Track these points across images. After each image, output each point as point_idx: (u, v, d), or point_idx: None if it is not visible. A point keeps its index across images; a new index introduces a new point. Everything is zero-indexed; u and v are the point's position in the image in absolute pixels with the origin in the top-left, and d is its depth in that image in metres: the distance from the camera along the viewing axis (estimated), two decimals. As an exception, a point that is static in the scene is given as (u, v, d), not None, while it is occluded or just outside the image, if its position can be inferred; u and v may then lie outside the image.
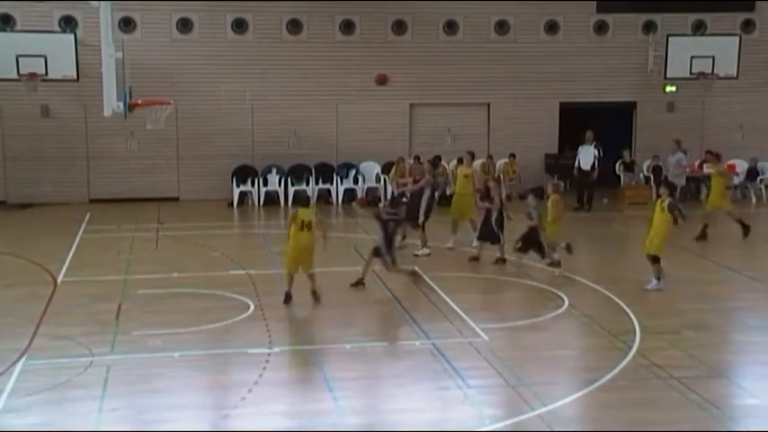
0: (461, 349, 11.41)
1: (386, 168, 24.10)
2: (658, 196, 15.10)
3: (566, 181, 25.21)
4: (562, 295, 13.87)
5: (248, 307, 13.33)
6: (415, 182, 17.63)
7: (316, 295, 13.55)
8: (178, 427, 9.12)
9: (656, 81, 25.14)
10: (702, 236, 18.38)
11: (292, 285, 13.52)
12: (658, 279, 14.27)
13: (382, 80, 13.43)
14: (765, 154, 25.07)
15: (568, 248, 15.58)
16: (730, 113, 25.72)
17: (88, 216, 21.13)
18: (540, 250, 15.35)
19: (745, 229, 18.65)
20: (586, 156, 22.52)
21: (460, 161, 23.69)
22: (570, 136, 26.14)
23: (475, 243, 16.86)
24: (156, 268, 15.69)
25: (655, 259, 14.28)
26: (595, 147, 22.39)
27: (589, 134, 22.64)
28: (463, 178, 18.16)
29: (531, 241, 15.37)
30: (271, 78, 23.91)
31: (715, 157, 19.35)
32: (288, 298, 13.45)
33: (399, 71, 24.40)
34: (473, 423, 9.21)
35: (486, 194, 16.65)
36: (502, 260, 16.18)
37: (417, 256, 16.70)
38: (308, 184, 23.59)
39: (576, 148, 23.23)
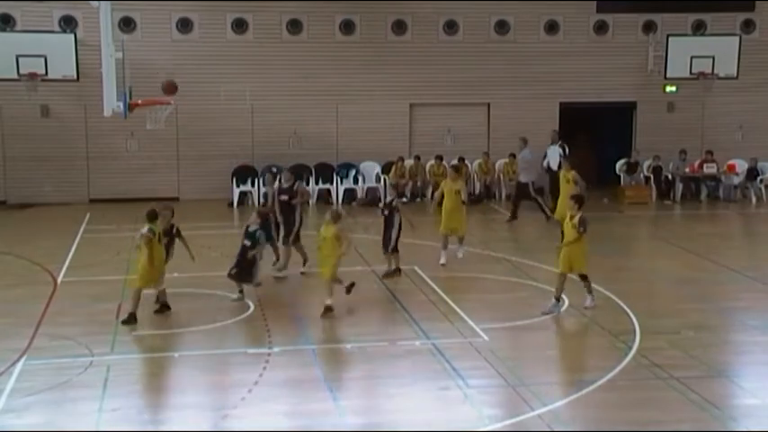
0: (461, 349, 11.41)
1: (386, 168, 24.12)
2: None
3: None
4: (562, 295, 13.84)
5: (248, 307, 13.33)
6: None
7: (167, 307, 12.90)
8: (178, 427, 9.13)
9: (656, 81, 25.12)
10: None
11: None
12: (591, 293, 13.18)
13: (170, 89, 12.31)
14: (765, 154, 25.05)
15: (348, 289, 13.51)
16: (730, 113, 25.69)
17: (88, 216, 21.13)
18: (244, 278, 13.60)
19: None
20: (553, 156, 22.31)
21: (440, 158, 23.72)
22: (570, 136, 26.15)
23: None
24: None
25: (583, 277, 13.13)
26: (560, 146, 22.15)
27: (554, 134, 22.48)
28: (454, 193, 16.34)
29: (243, 268, 13.62)
30: (271, 78, 23.90)
31: (570, 166, 18.24)
32: (133, 319, 12.40)
33: (399, 71, 24.41)
34: (473, 423, 9.21)
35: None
36: (398, 270, 15.28)
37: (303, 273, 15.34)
38: (308, 185, 23.58)
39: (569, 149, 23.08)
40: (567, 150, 21.92)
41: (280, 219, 15.36)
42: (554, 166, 22.33)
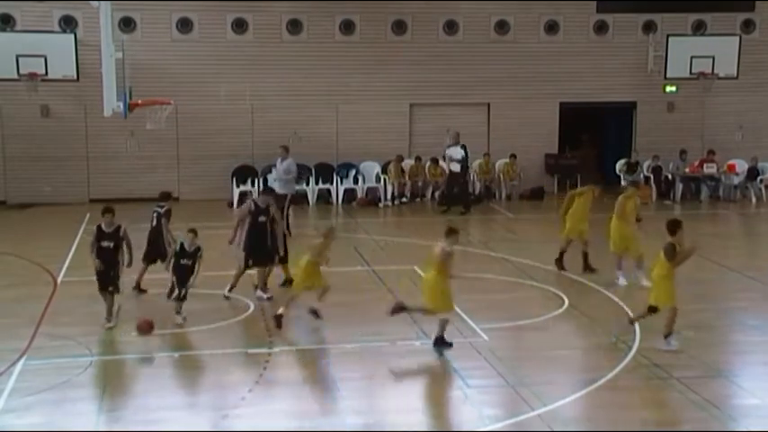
0: (461, 349, 11.40)
1: (386, 168, 24.12)
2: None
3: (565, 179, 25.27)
4: (562, 295, 13.86)
5: (248, 307, 13.33)
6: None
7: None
8: (178, 427, 9.13)
9: (656, 81, 25.12)
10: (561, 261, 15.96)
11: None
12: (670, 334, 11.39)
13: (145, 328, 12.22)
14: (765, 154, 25.06)
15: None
16: (730, 113, 25.70)
17: (88, 216, 21.08)
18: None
19: (586, 266, 15.75)
20: (455, 156, 22.18)
21: (435, 161, 23.79)
22: (570, 136, 26.18)
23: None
24: (157, 268, 15.64)
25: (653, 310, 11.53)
26: (462, 147, 22.10)
27: (455, 135, 22.43)
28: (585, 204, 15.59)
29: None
30: (271, 78, 23.89)
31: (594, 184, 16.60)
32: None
33: (399, 71, 24.40)
34: (473, 423, 9.21)
35: None
36: (290, 281, 14.12)
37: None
38: (308, 184, 23.58)
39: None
40: (467, 152, 21.93)
41: (99, 265, 12.53)
42: (455, 168, 22.25)
